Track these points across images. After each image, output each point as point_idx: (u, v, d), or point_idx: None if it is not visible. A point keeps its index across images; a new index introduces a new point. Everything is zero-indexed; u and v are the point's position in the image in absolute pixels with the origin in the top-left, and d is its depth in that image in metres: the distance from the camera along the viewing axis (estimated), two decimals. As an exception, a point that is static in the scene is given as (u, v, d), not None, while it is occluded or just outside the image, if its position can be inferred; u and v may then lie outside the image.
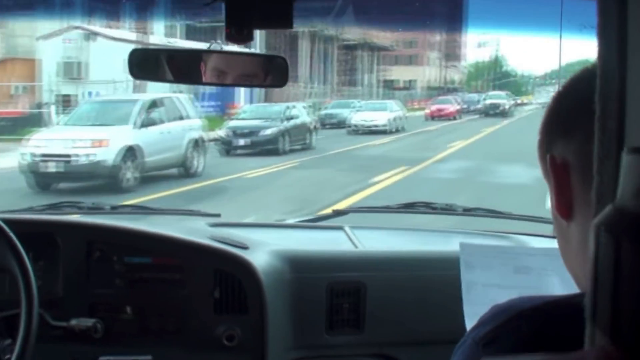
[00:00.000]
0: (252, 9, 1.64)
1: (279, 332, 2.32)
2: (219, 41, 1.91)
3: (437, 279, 2.38)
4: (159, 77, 1.93)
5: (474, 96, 47.49)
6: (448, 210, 2.99)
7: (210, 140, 17.62)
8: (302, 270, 2.39)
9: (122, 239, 2.39)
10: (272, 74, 1.86)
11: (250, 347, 2.29)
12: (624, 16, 0.53)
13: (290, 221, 3.12)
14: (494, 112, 41.35)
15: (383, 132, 26.69)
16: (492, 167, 16.65)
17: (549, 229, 2.58)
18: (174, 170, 14.82)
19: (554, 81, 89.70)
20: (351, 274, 2.42)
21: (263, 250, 2.40)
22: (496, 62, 65.48)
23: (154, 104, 15.17)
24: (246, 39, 1.66)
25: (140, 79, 2.22)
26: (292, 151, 19.50)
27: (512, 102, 46.47)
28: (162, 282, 2.34)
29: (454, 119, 38.16)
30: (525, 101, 62.82)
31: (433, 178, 14.80)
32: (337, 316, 2.39)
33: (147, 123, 14.41)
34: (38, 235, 2.34)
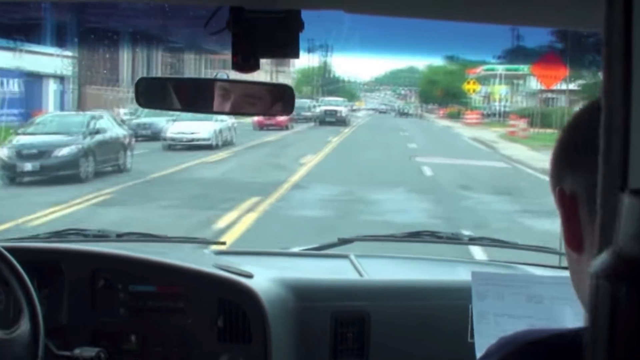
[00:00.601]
0: (258, 38, 1.63)
1: None
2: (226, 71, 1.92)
3: (443, 309, 2.40)
4: (166, 106, 2.00)
5: (305, 102, 43.82)
6: (454, 239, 3.08)
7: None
8: (306, 299, 2.39)
9: (127, 267, 2.39)
10: (279, 101, 1.88)
11: None
12: (629, 50, 0.53)
13: (296, 249, 3.09)
14: (330, 119, 38.02)
15: (207, 148, 21.17)
16: (367, 194, 13.05)
17: (554, 259, 2.74)
18: None
19: (381, 87, 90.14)
20: (356, 303, 2.43)
21: (267, 279, 2.39)
22: (324, 68, 63.25)
23: None
24: (252, 67, 1.66)
25: (148, 108, 1.98)
26: (99, 175, 14.96)
27: (348, 108, 43.84)
28: (166, 310, 2.34)
29: (286, 128, 34.02)
30: (355, 107, 60.97)
31: (300, 217, 10.83)
32: (341, 345, 2.38)
33: None
34: (43, 263, 2.36)
